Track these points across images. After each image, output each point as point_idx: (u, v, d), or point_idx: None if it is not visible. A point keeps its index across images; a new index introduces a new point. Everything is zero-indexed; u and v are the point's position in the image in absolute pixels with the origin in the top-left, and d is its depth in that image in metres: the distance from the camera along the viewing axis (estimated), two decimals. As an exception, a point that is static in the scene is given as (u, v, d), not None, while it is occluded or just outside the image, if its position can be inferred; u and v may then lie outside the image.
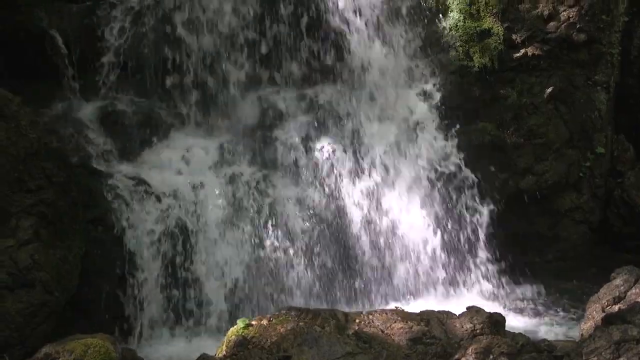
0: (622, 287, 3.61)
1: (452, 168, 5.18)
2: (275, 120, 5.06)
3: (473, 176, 5.21)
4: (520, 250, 5.23)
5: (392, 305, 4.26)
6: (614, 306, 3.53)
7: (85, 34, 4.79)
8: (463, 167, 5.21)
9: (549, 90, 5.45)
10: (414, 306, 4.31)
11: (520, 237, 5.34)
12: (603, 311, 3.53)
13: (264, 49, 5.01)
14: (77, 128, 4.66)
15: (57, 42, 4.66)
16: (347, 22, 5.24)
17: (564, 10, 5.38)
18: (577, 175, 5.58)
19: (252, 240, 4.47)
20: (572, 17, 5.37)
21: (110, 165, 4.66)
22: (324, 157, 4.86)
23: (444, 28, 5.46)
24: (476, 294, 4.99)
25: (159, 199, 4.45)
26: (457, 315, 3.65)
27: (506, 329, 3.62)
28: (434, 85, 5.37)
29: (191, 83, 4.98)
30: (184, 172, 4.67)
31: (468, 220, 5.10)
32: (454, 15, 5.46)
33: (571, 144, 5.55)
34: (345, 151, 4.91)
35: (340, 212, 4.75)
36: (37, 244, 3.92)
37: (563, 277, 5.25)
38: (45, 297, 3.81)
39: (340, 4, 5.20)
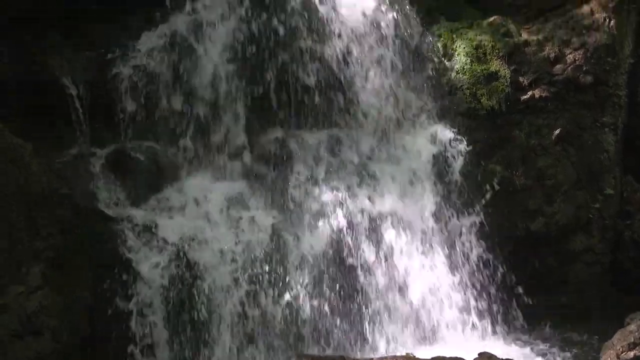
0: (636, 333, 3.57)
1: (461, 210, 5.18)
2: (285, 162, 5.08)
3: (482, 218, 5.21)
4: (531, 293, 5.18)
5: (403, 351, 4.23)
6: (629, 352, 3.49)
7: (96, 81, 4.87)
8: (472, 209, 5.21)
9: (557, 132, 5.47)
10: (426, 352, 4.26)
11: (531, 280, 5.29)
12: (618, 358, 3.49)
13: (271, 95, 5.05)
14: (87, 173, 4.69)
15: (69, 89, 4.73)
16: (353, 65, 5.30)
17: (570, 53, 5.44)
18: (586, 217, 5.55)
19: (263, 285, 4.45)
20: (578, 59, 5.41)
21: (120, 210, 4.66)
22: (333, 200, 4.84)
23: (452, 71, 5.51)
24: (488, 337, 4.93)
25: (168, 245, 4.45)
26: (469, 361, 3.61)
27: (518, 375, 3.58)
28: (442, 127, 5.40)
29: (201, 127, 5.05)
30: (194, 217, 4.67)
31: (477, 262, 5.07)
32: (460, 59, 5.51)
33: (580, 185, 5.54)
34: (354, 194, 4.90)
35: (351, 255, 4.72)
36: (46, 290, 3.94)
37: (575, 320, 5.18)
38: (53, 345, 3.81)
39: (344, 46, 5.26)
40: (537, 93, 5.45)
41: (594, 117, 5.52)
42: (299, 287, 4.49)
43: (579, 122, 5.51)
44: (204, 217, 4.71)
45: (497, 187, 5.36)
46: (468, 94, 5.48)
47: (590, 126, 5.52)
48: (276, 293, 4.46)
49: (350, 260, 4.69)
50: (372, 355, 4.20)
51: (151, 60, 5.00)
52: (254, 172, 5.05)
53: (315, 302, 4.51)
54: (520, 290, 5.14)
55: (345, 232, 4.73)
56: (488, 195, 5.32)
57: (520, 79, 5.46)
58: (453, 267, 5.00)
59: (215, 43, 5.09)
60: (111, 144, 4.92)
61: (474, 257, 5.06)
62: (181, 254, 4.42)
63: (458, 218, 5.16)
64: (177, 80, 5.02)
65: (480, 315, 4.96)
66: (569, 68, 5.42)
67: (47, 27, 4.88)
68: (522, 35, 5.57)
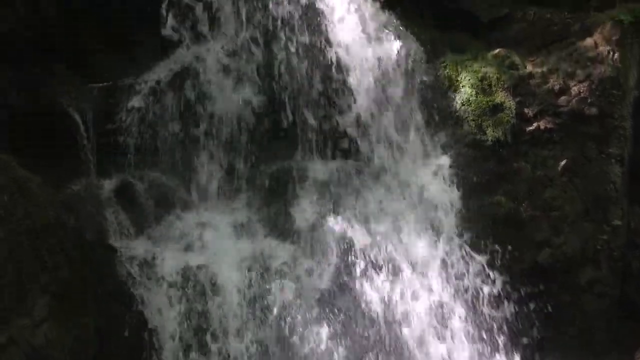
0: (647, 367, 3.52)
1: (468, 242, 5.15)
2: (290, 194, 5.08)
3: (489, 249, 5.18)
4: (541, 326, 5.14)
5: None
6: (640, 387, 3.44)
7: (104, 113, 4.93)
8: (478, 241, 5.19)
9: (563, 163, 5.47)
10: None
11: (540, 312, 5.25)
12: (629, 392, 3.44)
13: (277, 127, 5.08)
14: (94, 205, 4.71)
15: (77, 122, 4.78)
16: (358, 97, 5.33)
17: (575, 85, 5.46)
18: (594, 248, 5.51)
19: (270, 319, 4.42)
20: (583, 91, 5.44)
21: (126, 241, 4.68)
22: (339, 234, 4.84)
23: (457, 102, 5.54)
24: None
25: (174, 277, 4.44)
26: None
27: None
28: (448, 159, 5.41)
29: (207, 158, 5.07)
30: (199, 249, 4.67)
31: (485, 296, 5.03)
32: (466, 90, 5.54)
33: (587, 216, 5.51)
34: (359, 227, 4.90)
35: (356, 290, 4.70)
36: (51, 323, 3.91)
37: (585, 353, 5.14)
38: (59, 379, 3.77)
39: (354, 81, 5.30)
40: (542, 124, 5.46)
41: (599, 148, 5.52)
42: (304, 320, 4.46)
43: (585, 154, 5.50)
44: (210, 248, 4.71)
45: (503, 218, 5.34)
46: (474, 126, 5.49)
47: (596, 157, 5.51)
48: (282, 323, 4.43)
49: (355, 295, 4.68)
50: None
51: (158, 91, 5.06)
52: (260, 202, 5.06)
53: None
54: (530, 323, 5.09)
55: (349, 267, 4.73)
56: (494, 227, 5.30)
57: (526, 110, 5.48)
58: (459, 299, 4.97)
59: (221, 75, 5.15)
60: (118, 175, 4.96)
61: (480, 289, 5.02)
62: (187, 285, 4.41)
63: (464, 250, 5.13)
64: (183, 111, 5.08)
65: (487, 347, 4.91)
66: (574, 100, 5.44)
67: (55, 60, 4.94)
68: (527, 67, 5.60)
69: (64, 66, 5.02)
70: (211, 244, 4.71)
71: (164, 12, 5.10)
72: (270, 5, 5.17)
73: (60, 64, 5.02)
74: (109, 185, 4.89)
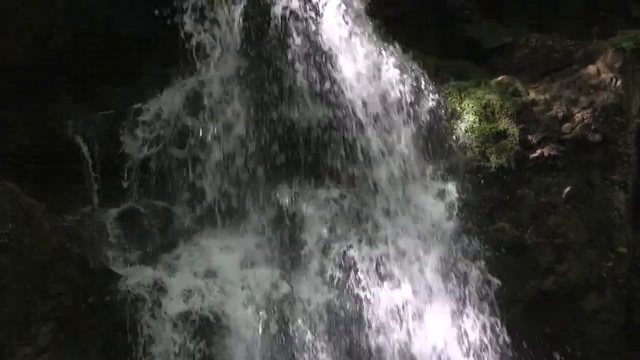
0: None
1: (472, 269, 5.13)
2: (296, 221, 5.09)
3: (493, 277, 5.16)
4: (547, 354, 5.11)
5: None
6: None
7: (109, 140, 4.96)
8: (483, 268, 5.17)
9: (567, 190, 5.47)
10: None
11: (546, 339, 5.21)
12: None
13: (282, 156, 5.11)
14: (98, 232, 4.73)
15: (82, 149, 4.81)
16: (362, 124, 5.35)
17: (578, 112, 5.47)
18: (598, 275, 5.49)
19: (275, 345, 4.41)
20: (587, 118, 5.45)
21: (131, 269, 4.68)
22: (344, 260, 4.84)
23: (460, 129, 5.55)
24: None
25: (178, 304, 4.43)
26: None
27: None
28: (452, 185, 5.41)
29: (212, 185, 5.08)
30: (204, 277, 4.66)
31: (491, 323, 5.01)
32: (469, 117, 5.55)
33: (591, 243, 5.50)
34: (364, 254, 4.89)
35: (362, 314, 4.69)
36: (54, 351, 3.91)
37: (590, 381, 5.11)
38: (61, 408, 3.76)
39: (358, 108, 5.32)
40: (546, 151, 5.47)
41: (603, 175, 5.52)
42: (311, 347, 4.45)
43: (589, 181, 5.50)
44: (215, 276, 4.70)
45: (507, 245, 5.33)
46: (477, 152, 5.50)
47: (600, 184, 5.51)
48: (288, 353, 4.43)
49: (361, 321, 4.66)
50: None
51: (163, 120, 5.09)
52: (265, 230, 5.06)
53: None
54: (536, 350, 5.05)
55: (355, 293, 4.71)
56: (498, 254, 5.29)
57: (529, 137, 5.49)
58: (464, 328, 4.94)
59: (226, 103, 5.19)
60: (122, 203, 4.98)
61: (487, 316, 5.00)
62: (192, 313, 4.39)
63: (467, 278, 5.11)
64: (188, 138, 5.10)
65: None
66: (578, 127, 5.45)
67: (61, 90, 5.00)
68: (530, 94, 5.62)
69: (69, 98, 5.07)
70: (216, 271, 4.70)
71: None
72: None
73: (66, 93, 5.07)
74: (113, 212, 4.90)
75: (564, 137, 5.48)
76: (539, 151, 5.50)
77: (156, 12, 5.03)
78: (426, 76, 5.67)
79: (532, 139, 5.49)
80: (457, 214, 5.29)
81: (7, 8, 4.92)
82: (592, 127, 5.44)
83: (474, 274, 5.06)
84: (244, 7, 5.17)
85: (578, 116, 5.47)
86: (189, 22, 5.16)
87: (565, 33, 6.20)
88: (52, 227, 4.17)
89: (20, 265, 3.87)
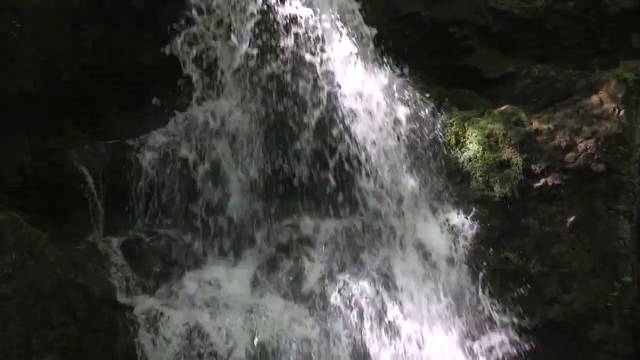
0: None
1: (478, 299, 5.11)
2: (301, 250, 5.08)
3: (499, 307, 5.14)
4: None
5: None
6: None
7: (113, 170, 4.99)
8: (488, 298, 5.15)
9: (571, 219, 5.46)
10: None
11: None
12: None
13: (287, 186, 5.12)
14: (102, 262, 4.73)
15: (86, 178, 4.83)
16: (365, 154, 5.37)
17: (581, 142, 5.48)
18: (604, 305, 5.44)
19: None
20: (590, 148, 5.45)
21: (134, 298, 4.68)
22: (348, 292, 4.81)
23: (464, 159, 5.56)
24: None
25: (182, 334, 4.41)
26: None
27: None
28: (456, 215, 5.40)
29: (216, 215, 5.09)
30: (207, 306, 4.64)
31: (497, 353, 4.98)
32: (473, 147, 5.57)
33: (596, 273, 5.46)
34: (368, 285, 4.88)
35: (368, 348, 4.66)
36: (57, 381, 3.87)
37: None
38: None
39: (360, 138, 5.34)
40: (549, 181, 5.47)
41: (608, 205, 5.50)
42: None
43: (593, 210, 5.49)
44: (218, 306, 4.68)
45: (512, 275, 5.31)
46: (481, 182, 5.51)
47: (605, 214, 5.49)
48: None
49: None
50: None
51: (168, 149, 5.12)
52: (269, 260, 5.06)
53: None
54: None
55: (362, 329, 4.69)
56: (503, 284, 5.26)
57: (533, 166, 5.49)
58: (470, 356, 4.91)
59: (230, 130, 5.22)
60: (126, 232, 4.99)
61: (494, 348, 4.97)
62: (195, 344, 4.37)
63: (472, 308, 5.09)
64: (193, 167, 5.12)
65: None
66: (581, 156, 5.46)
67: (67, 120, 5.04)
68: (533, 123, 5.63)
69: (74, 127, 5.11)
70: (220, 302, 4.68)
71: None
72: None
73: (72, 123, 5.11)
74: (117, 241, 4.92)
75: (568, 167, 5.48)
76: (542, 180, 5.49)
77: (161, 44, 5.13)
78: (429, 105, 5.73)
79: (536, 168, 5.50)
80: (461, 244, 5.29)
81: (15, 40, 4.98)
82: (596, 156, 5.44)
83: (480, 304, 5.05)
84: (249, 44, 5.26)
85: (581, 146, 5.47)
86: (192, 54, 5.27)
87: (567, 64, 6.25)
88: (56, 257, 4.17)
89: (24, 296, 3.86)
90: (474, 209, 5.42)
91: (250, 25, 5.29)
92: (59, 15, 5.20)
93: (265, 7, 5.31)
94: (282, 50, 5.25)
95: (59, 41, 5.17)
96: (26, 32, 5.04)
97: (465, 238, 5.30)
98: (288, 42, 5.26)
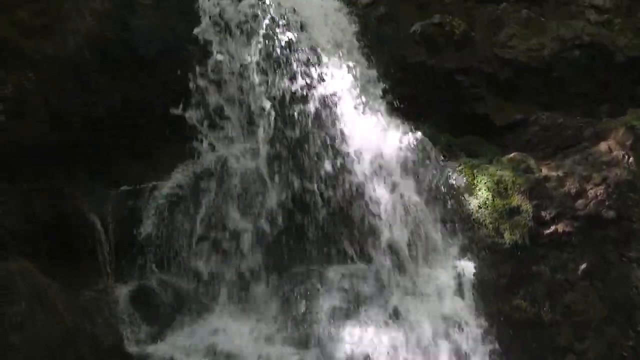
0: None
1: (490, 348, 5.04)
2: (308, 298, 5.04)
3: (510, 357, 5.06)
4: None
5: None
6: None
7: (123, 217, 4.99)
8: (500, 348, 5.07)
9: (582, 266, 5.41)
10: None
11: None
12: None
13: (297, 232, 5.11)
14: (111, 310, 4.69)
15: (96, 226, 4.83)
16: (375, 201, 5.37)
17: (591, 189, 5.47)
18: (619, 355, 5.36)
19: None
20: (600, 195, 5.45)
21: (142, 347, 4.63)
22: (357, 340, 4.76)
23: (474, 206, 5.55)
24: None
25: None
26: None
27: None
28: (466, 262, 5.37)
29: (225, 264, 5.07)
30: (217, 355, 4.59)
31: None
32: (482, 194, 5.57)
33: (610, 321, 5.40)
34: (376, 333, 4.82)
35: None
36: None
37: None
38: None
39: (368, 185, 5.35)
40: (560, 228, 5.45)
41: (620, 252, 5.47)
42: None
43: (605, 257, 5.46)
44: (227, 354, 4.63)
45: (524, 323, 5.25)
46: (491, 229, 5.49)
47: (617, 261, 5.46)
48: None
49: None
50: None
51: (178, 196, 5.13)
52: (277, 307, 5.01)
53: None
54: None
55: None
56: (515, 332, 5.20)
57: (543, 213, 5.48)
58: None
59: (240, 178, 5.24)
60: (135, 280, 4.96)
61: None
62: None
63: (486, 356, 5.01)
64: (203, 215, 5.12)
65: None
66: (591, 203, 5.45)
67: (77, 166, 5.07)
68: (542, 170, 5.64)
69: (85, 173, 5.13)
70: (228, 350, 4.63)
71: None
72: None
73: (82, 170, 5.13)
74: (126, 288, 4.89)
75: (578, 214, 5.46)
76: (553, 227, 5.47)
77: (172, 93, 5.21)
78: (438, 153, 5.75)
79: (546, 215, 5.48)
80: (471, 291, 5.24)
81: (29, 90, 5.04)
82: (606, 203, 5.43)
83: (491, 355, 4.97)
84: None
85: (591, 193, 5.47)
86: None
87: (575, 111, 6.31)
88: (65, 306, 4.14)
89: (33, 346, 3.82)
90: (484, 256, 5.40)
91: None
92: (72, 65, 5.27)
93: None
94: (294, 99, 5.32)
95: (71, 90, 5.24)
96: (39, 82, 5.10)
97: (476, 285, 5.26)
98: (298, 90, 5.34)
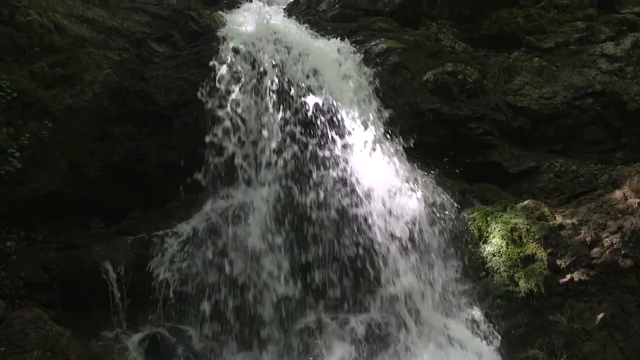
0: None
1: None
2: (321, 349, 4.99)
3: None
4: None
5: None
6: None
7: (136, 265, 5.02)
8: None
9: (600, 316, 5.31)
10: None
11: None
12: None
13: (310, 280, 5.09)
14: (123, 357, 4.67)
15: (109, 274, 4.86)
16: (390, 248, 5.35)
17: (607, 237, 5.41)
18: (639, 407, 5.25)
19: None
20: (616, 243, 5.38)
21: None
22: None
23: (487, 253, 5.51)
24: None
25: None
26: None
27: None
28: (481, 311, 5.30)
29: (236, 311, 5.05)
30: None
31: None
32: (496, 241, 5.52)
33: (630, 373, 5.29)
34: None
35: None
36: None
37: None
38: None
39: (379, 232, 5.34)
40: (576, 276, 5.37)
41: (638, 300, 5.37)
42: None
43: (624, 307, 5.35)
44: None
45: (541, 374, 5.15)
46: (505, 277, 5.42)
47: (636, 310, 5.34)
48: None
49: None
50: None
51: (190, 244, 5.15)
52: (290, 356, 4.97)
53: None
54: None
55: None
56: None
57: (558, 261, 5.41)
58: None
59: (252, 227, 5.26)
60: (147, 327, 4.95)
61: None
62: None
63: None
64: (214, 262, 5.13)
65: None
66: (607, 252, 5.38)
67: (93, 217, 5.12)
68: (557, 218, 5.59)
69: (100, 221, 5.18)
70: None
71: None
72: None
73: (97, 219, 5.18)
74: (137, 337, 4.87)
75: (594, 262, 5.38)
76: (569, 276, 5.39)
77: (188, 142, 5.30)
78: (452, 200, 5.74)
79: (561, 263, 5.42)
80: (486, 341, 5.16)
81: (47, 140, 5.13)
82: (622, 252, 5.35)
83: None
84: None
85: (607, 241, 5.40)
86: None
87: (588, 158, 6.29)
88: (77, 355, 4.13)
89: (44, 394, 3.82)
90: (499, 304, 5.33)
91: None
92: (90, 114, 5.38)
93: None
94: (306, 146, 5.39)
95: (88, 139, 5.34)
96: (58, 132, 5.20)
97: (490, 334, 5.18)
98: (312, 141, 5.42)
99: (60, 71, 5.54)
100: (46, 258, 4.79)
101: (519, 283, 5.38)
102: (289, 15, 7.50)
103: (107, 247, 4.98)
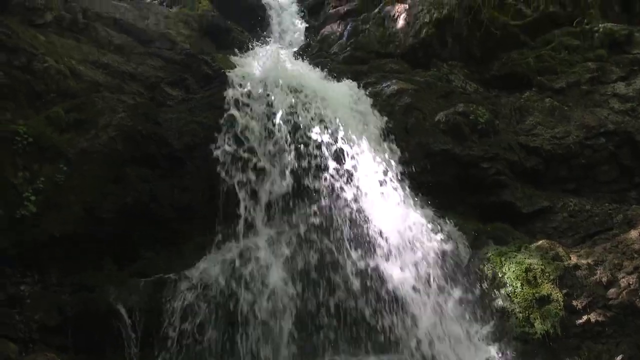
0: None
1: None
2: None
3: None
4: None
5: None
6: None
7: (150, 307, 5.01)
8: None
9: (619, 358, 5.21)
10: None
11: None
12: None
13: (324, 320, 5.06)
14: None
15: (122, 317, 4.85)
16: (405, 289, 5.32)
17: (623, 277, 5.34)
18: None
19: None
20: (632, 283, 5.30)
21: None
22: None
23: (502, 294, 5.45)
24: None
25: None
26: None
27: None
28: (497, 353, 5.23)
29: (250, 355, 5.02)
30: None
31: None
32: (510, 282, 5.46)
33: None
34: None
35: None
36: None
37: None
38: None
39: (396, 277, 5.32)
40: (592, 317, 5.29)
41: (656, 342, 5.30)
42: None
43: (642, 348, 5.28)
44: None
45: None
46: (521, 318, 5.34)
47: (654, 353, 5.28)
48: None
49: None
50: None
51: (204, 286, 5.15)
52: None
53: None
54: None
55: None
56: None
57: (574, 302, 5.34)
58: None
59: (263, 273, 5.26)
60: (161, 371, 4.92)
61: None
62: None
63: None
64: (226, 303, 5.11)
65: None
66: (624, 292, 5.30)
67: (107, 259, 5.14)
68: (572, 258, 5.53)
69: (114, 262, 5.20)
70: None
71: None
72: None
73: (110, 260, 5.20)
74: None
75: (611, 303, 5.30)
76: (585, 317, 5.31)
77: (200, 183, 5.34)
78: (465, 241, 5.72)
79: (577, 304, 5.34)
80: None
81: (62, 183, 5.18)
82: (639, 293, 5.29)
83: None
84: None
85: (623, 281, 5.33)
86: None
87: (602, 197, 6.25)
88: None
89: None
90: (514, 346, 5.25)
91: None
92: (104, 157, 5.44)
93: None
94: (317, 191, 5.42)
95: (102, 182, 5.39)
96: (72, 175, 5.26)
97: (509, 379, 5.11)
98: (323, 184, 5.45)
99: (76, 115, 5.62)
100: (60, 300, 4.80)
101: (535, 324, 5.30)
102: (302, 58, 7.62)
103: (120, 289, 4.98)
